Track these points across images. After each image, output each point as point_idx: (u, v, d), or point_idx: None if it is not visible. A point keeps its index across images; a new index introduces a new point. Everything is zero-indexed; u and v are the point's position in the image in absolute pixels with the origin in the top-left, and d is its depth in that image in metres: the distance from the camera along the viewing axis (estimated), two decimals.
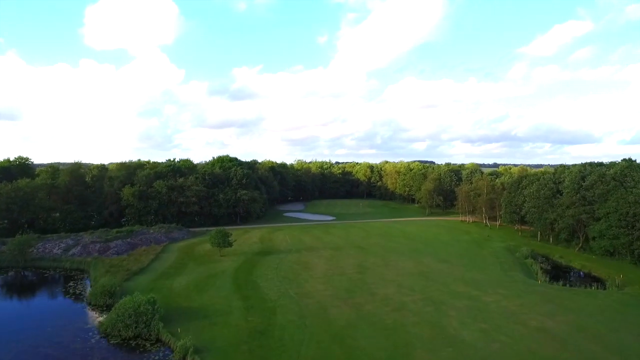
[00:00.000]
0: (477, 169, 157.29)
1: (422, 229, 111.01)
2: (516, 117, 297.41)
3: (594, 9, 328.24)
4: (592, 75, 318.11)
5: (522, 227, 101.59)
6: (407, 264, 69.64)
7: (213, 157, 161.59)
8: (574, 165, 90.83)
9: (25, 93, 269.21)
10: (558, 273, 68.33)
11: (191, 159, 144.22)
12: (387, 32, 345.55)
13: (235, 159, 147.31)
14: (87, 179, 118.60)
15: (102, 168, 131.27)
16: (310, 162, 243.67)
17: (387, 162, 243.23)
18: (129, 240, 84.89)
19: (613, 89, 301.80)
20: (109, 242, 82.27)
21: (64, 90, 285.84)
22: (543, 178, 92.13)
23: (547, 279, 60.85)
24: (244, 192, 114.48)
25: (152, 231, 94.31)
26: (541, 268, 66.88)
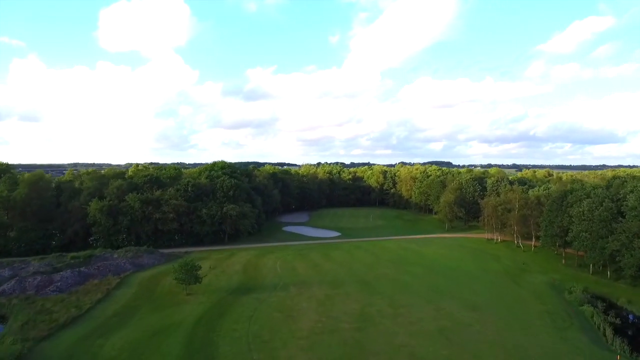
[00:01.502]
0: (503, 176, 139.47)
1: (442, 252, 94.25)
2: (535, 117, 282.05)
3: (616, 4, 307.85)
4: (615, 73, 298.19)
5: (567, 251, 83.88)
6: (423, 313, 53.46)
7: (207, 163, 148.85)
8: (637, 178, 72.95)
9: (46, 95, 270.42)
10: (635, 331, 51.23)
11: (179, 166, 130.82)
12: (400, 31, 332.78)
13: (231, 165, 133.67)
14: (77, 184, 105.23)
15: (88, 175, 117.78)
16: (318, 167, 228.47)
17: (402, 165, 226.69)
18: (82, 269, 70.86)
19: (637, 87, 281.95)
20: (57, 272, 68.39)
21: (83, 91, 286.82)
22: (594, 194, 74.57)
23: (626, 345, 43.78)
24: (231, 206, 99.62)
25: (116, 256, 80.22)
26: (609, 323, 49.73)
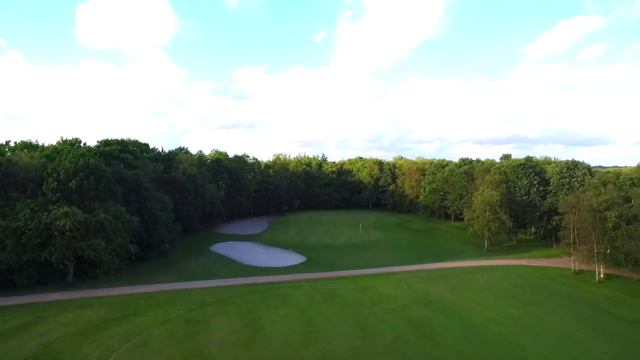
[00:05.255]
0: (570, 164, 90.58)
1: (509, 311, 45.49)
2: (526, 118, 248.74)
3: (602, 3, 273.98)
4: (604, 74, 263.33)
5: None
6: None
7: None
8: None
9: (30, 93, 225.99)
10: None
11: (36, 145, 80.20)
12: (386, 30, 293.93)
13: (124, 142, 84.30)
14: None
15: None
16: (292, 158, 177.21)
17: (401, 158, 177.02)
18: None
19: (626, 88, 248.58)
20: None
21: (70, 90, 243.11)
22: None
23: None
24: (63, 210, 49.52)
25: None
26: None
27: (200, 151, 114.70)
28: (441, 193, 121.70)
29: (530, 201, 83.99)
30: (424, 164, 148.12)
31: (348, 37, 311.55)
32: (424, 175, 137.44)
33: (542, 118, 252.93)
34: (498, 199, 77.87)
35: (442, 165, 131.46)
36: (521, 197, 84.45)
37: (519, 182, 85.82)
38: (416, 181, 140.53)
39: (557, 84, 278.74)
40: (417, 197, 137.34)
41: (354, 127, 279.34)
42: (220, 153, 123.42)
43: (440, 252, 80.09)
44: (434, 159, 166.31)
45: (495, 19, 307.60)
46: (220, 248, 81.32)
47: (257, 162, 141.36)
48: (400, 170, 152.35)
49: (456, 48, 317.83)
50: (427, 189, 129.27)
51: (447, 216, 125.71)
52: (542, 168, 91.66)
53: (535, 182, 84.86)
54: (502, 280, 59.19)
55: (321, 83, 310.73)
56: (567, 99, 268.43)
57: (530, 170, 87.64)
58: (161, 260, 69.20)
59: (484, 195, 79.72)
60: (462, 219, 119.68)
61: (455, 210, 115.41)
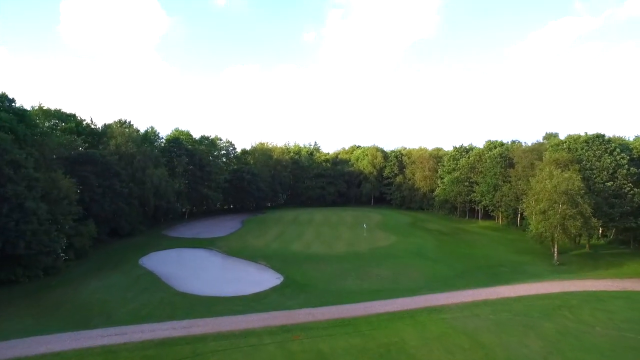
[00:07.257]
0: None
1: None
2: (519, 120, 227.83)
3: (591, 4, 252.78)
4: (595, 74, 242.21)
5: None
6: None
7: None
8: None
9: (21, 91, 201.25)
10: None
11: None
12: (377, 29, 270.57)
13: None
14: None
15: None
16: (280, 147, 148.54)
17: (405, 148, 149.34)
18: None
19: (617, 89, 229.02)
20: None
21: (60, 88, 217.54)
22: None
23: None
24: None
25: None
26: None
27: (152, 127, 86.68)
28: (466, 184, 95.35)
29: (617, 189, 57.43)
30: (438, 150, 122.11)
31: (338, 36, 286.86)
32: (441, 164, 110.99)
33: (535, 120, 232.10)
34: (580, 184, 51.12)
35: (466, 149, 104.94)
36: (603, 183, 57.80)
37: (599, 163, 59.14)
38: (430, 170, 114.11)
39: (548, 84, 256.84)
40: (432, 190, 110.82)
41: (347, 128, 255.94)
42: (181, 132, 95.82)
43: (491, 267, 53.21)
44: (440, 149, 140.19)
45: (485, 19, 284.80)
46: (155, 260, 53.78)
47: (230, 145, 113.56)
48: (409, 158, 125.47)
49: (448, 48, 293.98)
50: (446, 179, 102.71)
51: (473, 213, 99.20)
52: (624, 144, 65.20)
53: (624, 161, 58.27)
54: (635, 323, 32.43)
55: (312, 83, 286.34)
56: (558, 99, 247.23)
57: (612, 144, 60.98)
58: (40, 284, 41.83)
59: (555, 179, 52.84)
60: (493, 217, 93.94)
61: (487, 206, 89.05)
